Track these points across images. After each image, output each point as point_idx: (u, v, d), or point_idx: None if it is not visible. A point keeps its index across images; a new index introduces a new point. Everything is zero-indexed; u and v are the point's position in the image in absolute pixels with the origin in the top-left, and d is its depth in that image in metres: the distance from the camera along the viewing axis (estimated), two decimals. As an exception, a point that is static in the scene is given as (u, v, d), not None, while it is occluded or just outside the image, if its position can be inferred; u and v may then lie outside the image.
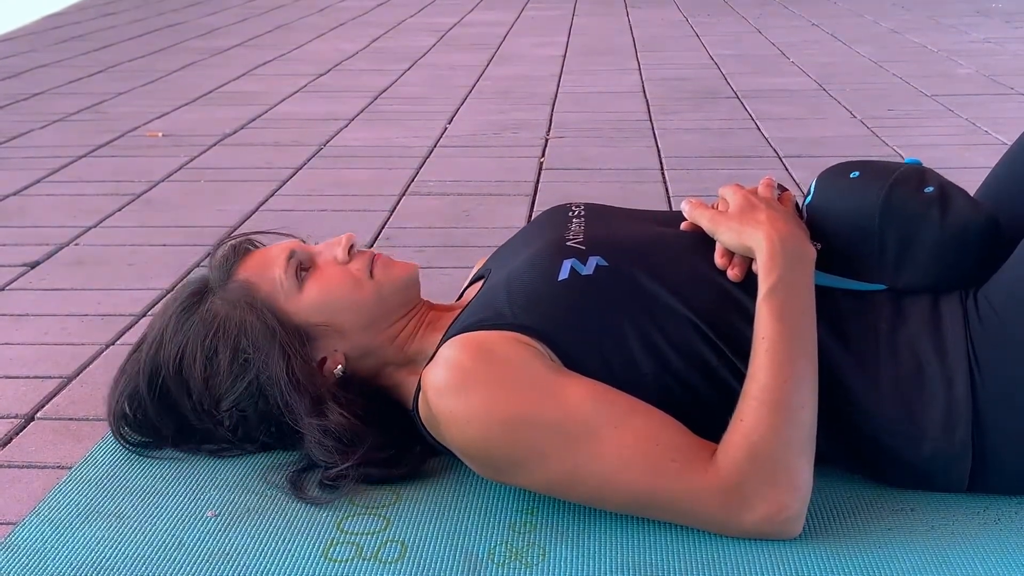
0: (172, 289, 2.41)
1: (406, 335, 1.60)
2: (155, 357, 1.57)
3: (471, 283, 1.75)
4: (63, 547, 1.43)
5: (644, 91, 4.80)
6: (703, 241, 1.53)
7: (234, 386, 1.54)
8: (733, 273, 1.49)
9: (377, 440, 1.54)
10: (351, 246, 1.61)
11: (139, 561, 1.40)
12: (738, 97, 4.61)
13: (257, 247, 1.64)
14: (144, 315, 2.27)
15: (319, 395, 1.52)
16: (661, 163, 3.51)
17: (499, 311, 1.48)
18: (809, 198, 1.58)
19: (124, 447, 1.64)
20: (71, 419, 1.83)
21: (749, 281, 1.48)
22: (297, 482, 1.53)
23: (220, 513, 1.50)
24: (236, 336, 1.53)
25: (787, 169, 3.39)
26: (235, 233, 1.71)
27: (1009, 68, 5.16)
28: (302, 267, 1.58)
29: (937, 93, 4.58)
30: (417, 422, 1.52)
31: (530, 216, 2.95)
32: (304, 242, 1.64)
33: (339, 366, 1.57)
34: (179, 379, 1.56)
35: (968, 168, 3.13)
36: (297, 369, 1.52)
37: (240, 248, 1.62)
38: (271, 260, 1.59)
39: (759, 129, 3.98)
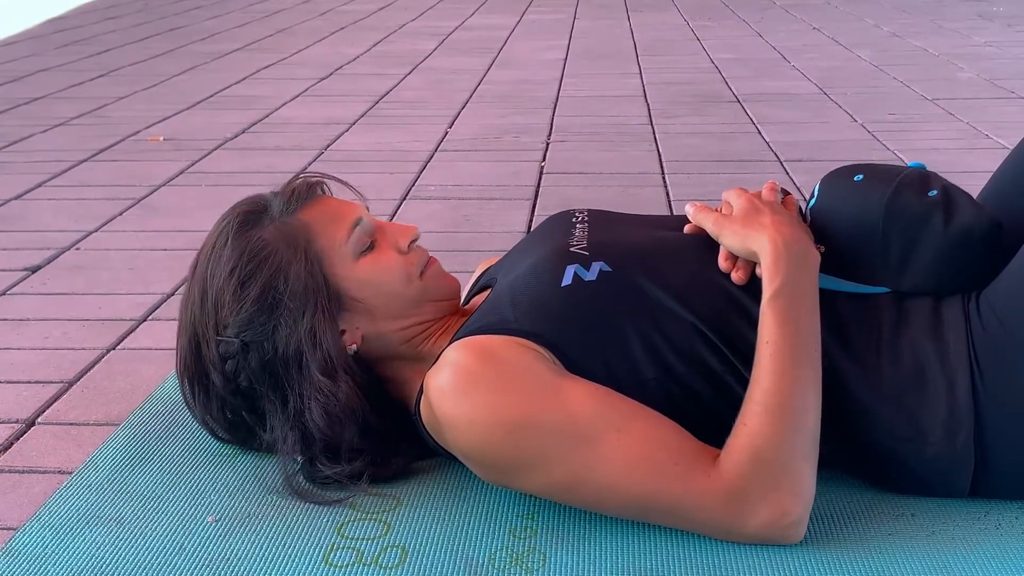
0: (173, 293, 2.41)
1: (423, 335, 1.59)
2: (199, 263, 1.54)
3: (475, 291, 1.75)
4: (64, 552, 1.43)
5: (645, 95, 4.80)
6: (707, 245, 1.53)
7: (253, 319, 1.50)
8: (737, 276, 1.49)
9: (369, 423, 1.53)
10: (414, 239, 1.60)
11: (140, 566, 1.39)
12: (739, 101, 4.61)
13: (328, 194, 1.61)
14: (145, 319, 2.28)
15: (334, 362, 1.51)
16: (662, 167, 3.51)
17: (503, 316, 1.48)
18: (813, 201, 1.58)
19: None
20: (72, 424, 1.83)
21: (753, 285, 1.48)
22: (295, 483, 1.52)
23: (221, 518, 1.50)
24: (276, 274, 1.50)
25: (788, 173, 3.39)
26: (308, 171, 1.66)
27: (1010, 72, 5.16)
28: (365, 240, 1.56)
29: (938, 97, 4.58)
30: (419, 426, 1.52)
31: (531, 220, 2.95)
32: (368, 211, 1.62)
33: (354, 345, 1.56)
34: (204, 286, 1.52)
35: (969, 172, 3.12)
36: (326, 329, 1.50)
37: (315, 189, 1.59)
38: (339, 217, 1.56)
39: (760, 133, 3.98)
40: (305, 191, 1.58)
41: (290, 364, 1.51)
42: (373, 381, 1.58)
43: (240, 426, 1.60)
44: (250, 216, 1.55)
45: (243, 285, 1.51)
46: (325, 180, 1.62)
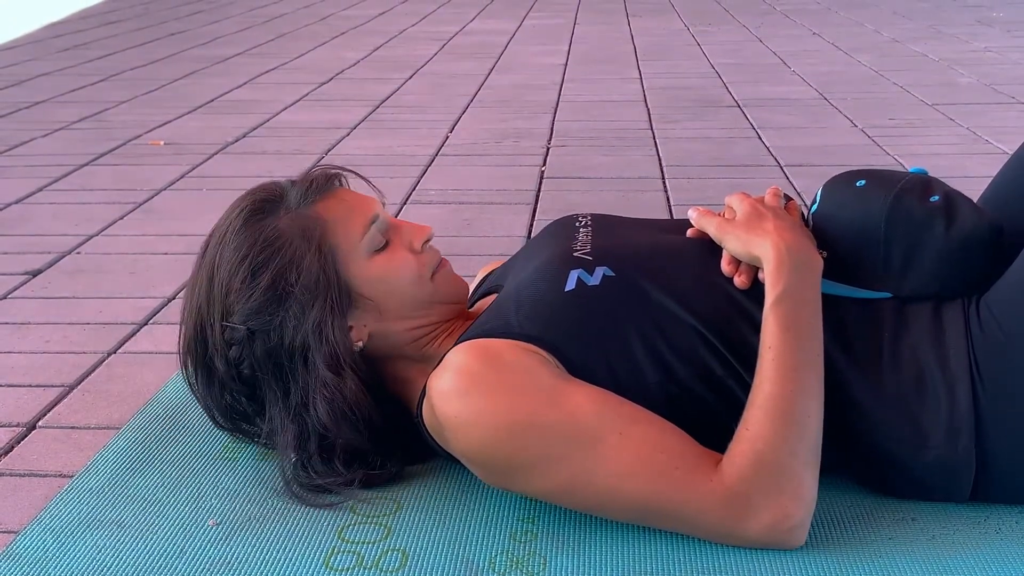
0: (174, 297, 2.41)
1: (429, 336, 1.59)
2: (209, 248, 1.53)
3: (479, 295, 1.75)
4: (64, 556, 1.43)
5: (645, 100, 4.80)
6: (709, 249, 1.54)
7: (261, 309, 1.49)
8: (740, 281, 1.49)
9: (375, 419, 1.52)
10: (427, 239, 1.60)
11: (141, 570, 1.39)
12: (739, 106, 4.61)
13: (345, 187, 1.61)
14: (146, 323, 2.28)
15: (342, 358, 1.51)
16: (662, 172, 3.51)
17: (507, 320, 1.48)
18: (815, 207, 1.58)
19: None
20: (73, 427, 1.83)
21: (755, 289, 1.48)
22: (294, 488, 1.52)
23: (221, 522, 1.50)
24: (288, 266, 1.50)
25: (788, 178, 3.39)
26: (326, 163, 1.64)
27: (1010, 77, 5.16)
28: (380, 237, 1.56)
29: (938, 102, 4.58)
30: (421, 428, 1.52)
31: (531, 225, 2.95)
32: (383, 206, 1.62)
33: (360, 341, 1.56)
34: (213, 270, 1.52)
35: (969, 177, 3.13)
36: (334, 325, 1.50)
37: (333, 181, 1.58)
38: (355, 213, 1.55)
39: (760, 138, 3.99)
40: (323, 183, 1.57)
41: (295, 356, 1.50)
42: (377, 379, 1.57)
43: (239, 413, 1.59)
44: (266, 204, 1.54)
45: (254, 274, 1.50)
46: (343, 172, 1.61)
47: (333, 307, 1.50)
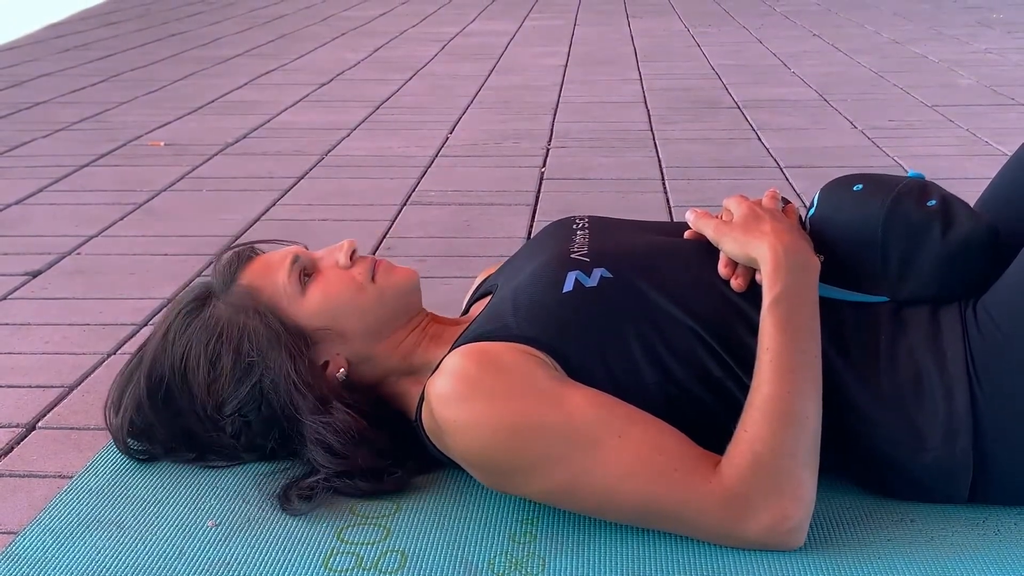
0: (174, 298, 2.41)
1: (410, 344, 1.60)
2: (158, 363, 1.57)
3: (476, 297, 1.76)
4: (64, 556, 1.43)
5: (645, 101, 4.80)
6: (707, 251, 1.54)
7: (237, 390, 1.54)
8: (737, 283, 1.49)
9: (378, 444, 1.54)
10: (353, 251, 1.61)
11: (140, 570, 1.40)
12: (739, 107, 4.61)
13: (260, 253, 1.65)
14: (145, 324, 2.28)
15: (324, 395, 1.52)
16: (662, 173, 3.51)
17: (504, 323, 1.49)
18: (812, 210, 1.58)
19: (127, 456, 1.64)
20: (72, 428, 1.83)
21: (753, 291, 1.48)
22: (290, 494, 1.53)
23: (221, 523, 1.50)
24: (239, 340, 1.54)
25: (788, 179, 3.39)
26: (238, 242, 1.71)
27: (1010, 79, 5.16)
28: (305, 272, 1.59)
29: (938, 104, 4.58)
30: (420, 432, 1.52)
31: (531, 226, 2.95)
32: (306, 248, 1.65)
33: (341, 369, 1.57)
34: (183, 385, 1.56)
35: (968, 179, 3.13)
36: (302, 370, 1.52)
37: (243, 255, 1.63)
38: (274, 265, 1.59)
39: (760, 139, 3.99)
40: (237, 259, 1.61)
41: (289, 410, 1.53)
42: (373, 403, 1.59)
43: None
44: (195, 303, 1.59)
45: (214, 363, 1.54)
46: (252, 244, 1.66)
47: (292, 352, 1.53)
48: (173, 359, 1.56)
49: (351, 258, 1.60)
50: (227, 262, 1.61)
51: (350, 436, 1.51)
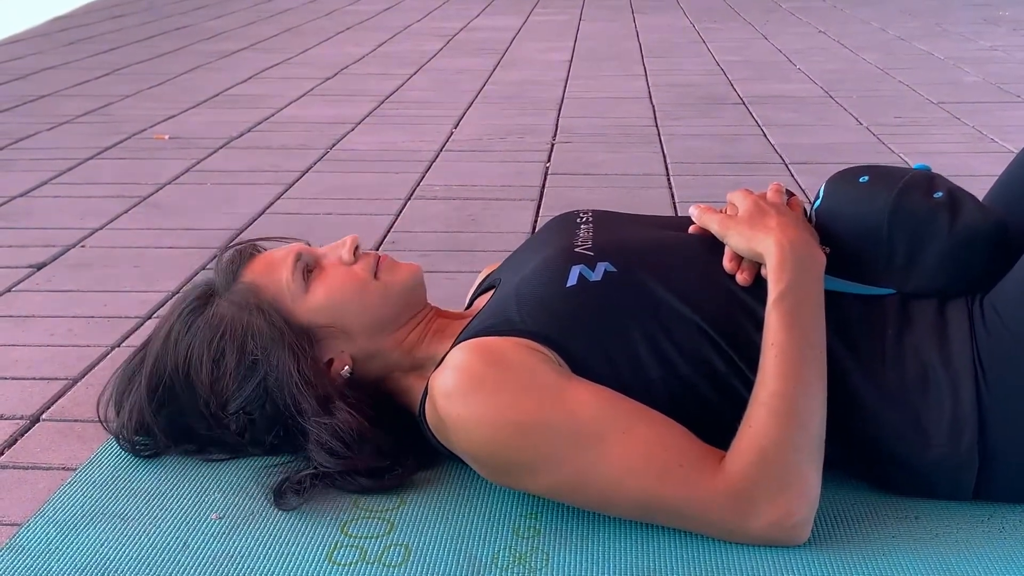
0: (178, 291, 2.41)
1: (414, 339, 1.60)
2: (161, 361, 1.57)
3: (479, 292, 1.75)
4: (68, 549, 1.43)
5: (650, 97, 4.80)
6: (711, 246, 1.53)
7: (241, 388, 1.54)
8: (742, 278, 1.49)
9: (381, 443, 1.54)
10: (356, 247, 1.61)
11: (143, 563, 1.40)
12: (744, 103, 4.61)
13: (262, 251, 1.64)
14: (150, 317, 2.28)
15: (328, 394, 1.52)
16: (667, 169, 3.51)
17: (508, 318, 1.48)
18: (818, 203, 1.58)
19: (129, 452, 1.64)
20: (76, 421, 1.83)
21: (758, 286, 1.48)
22: (288, 489, 1.52)
23: (224, 516, 1.50)
24: (243, 338, 1.53)
25: (793, 176, 3.39)
26: (241, 237, 1.71)
27: (1016, 76, 5.15)
28: (308, 269, 1.59)
29: (944, 100, 4.58)
30: (423, 427, 1.52)
31: (535, 221, 2.95)
32: (309, 245, 1.65)
33: (346, 367, 1.57)
34: (186, 383, 1.56)
35: (974, 176, 3.13)
36: (306, 368, 1.52)
37: (245, 252, 1.62)
38: (277, 263, 1.59)
39: (765, 135, 3.98)
40: (239, 257, 1.61)
41: (292, 409, 1.52)
42: (377, 399, 1.59)
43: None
44: (198, 301, 1.58)
45: (217, 362, 1.54)
46: (255, 241, 1.66)
47: (296, 350, 1.52)
48: (176, 357, 1.56)
49: (354, 254, 1.60)
50: (229, 260, 1.61)
51: (352, 437, 1.51)
